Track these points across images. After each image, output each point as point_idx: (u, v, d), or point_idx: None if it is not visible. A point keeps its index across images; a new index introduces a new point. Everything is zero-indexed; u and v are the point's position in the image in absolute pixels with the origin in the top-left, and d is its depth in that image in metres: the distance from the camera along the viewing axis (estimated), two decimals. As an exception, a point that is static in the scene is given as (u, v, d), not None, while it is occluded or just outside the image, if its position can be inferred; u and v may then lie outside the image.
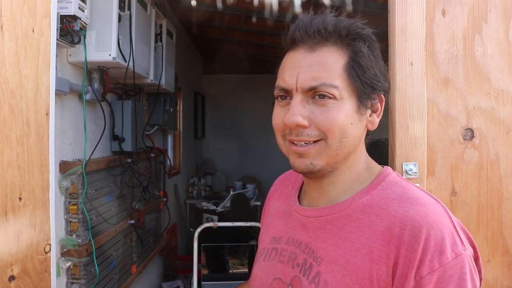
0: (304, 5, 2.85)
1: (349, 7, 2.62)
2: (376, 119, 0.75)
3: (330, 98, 0.69)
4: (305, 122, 0.69)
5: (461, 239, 0.65)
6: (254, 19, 3.39)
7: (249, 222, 2.73)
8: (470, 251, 0.66)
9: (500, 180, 1.29)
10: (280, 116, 0.73)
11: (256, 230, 3.67)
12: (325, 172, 0.73)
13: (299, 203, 0.83)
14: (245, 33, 4.24)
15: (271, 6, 2.91)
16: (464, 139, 1.29)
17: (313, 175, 0.74)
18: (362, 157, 0.77)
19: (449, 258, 0.62)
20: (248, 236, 3.83)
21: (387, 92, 0.75)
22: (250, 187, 4.90)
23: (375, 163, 0.79)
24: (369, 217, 0.69)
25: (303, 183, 0.86)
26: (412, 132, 1.27)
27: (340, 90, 0.69)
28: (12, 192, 0.94)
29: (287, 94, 0.73)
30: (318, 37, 0.70)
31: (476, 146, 1.29)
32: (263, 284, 0.81)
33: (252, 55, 5.12)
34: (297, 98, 0.70)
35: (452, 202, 1.29)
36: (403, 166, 1.27)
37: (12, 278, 0.94)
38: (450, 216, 0.67)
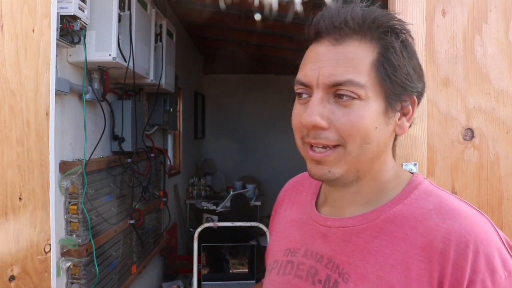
0: (304, 5, 2.85)
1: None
2: (406, 123, 0.67)
3: (355, 98, 0.61)
4: (324, 123, 0.61)
5: (511, 256, 0.59)
6: (255, 18, 3.39)
7: (249, 222, 2.73)
8: None
9: (500, 180, 1.29)
10: (299, 115, 0.65)
11: (257, 230, 3.67)
12: (346, 181, 0.66)
13: (317, 210, 0.74)
14: (245, 33, 4.24)
15: (270, 6, 2.90)
16: (464, 139, 1.29)
17: (332, 184, 0.68)
18: (389, 163, 0.70)
19: (502, 277, 0.56)
20: (248, 236, 3.83)
21: (421, 93, 0.67)
22: (250, 187, 4.90)
23: (404, 169, 0.72)
24: (403, 230, 0.62)
25: (320, 188, 0.78)
26: (412, 132, 1.27)
27: (367, 90, 0.61)
28: (12, 192, 0.94)
29: (307, 91, 0.65)
30: (345, 28, 0.62)
31: (476, 146, 1.29)
32: None
33: (252, 55, 5.12)
34: (317, 96, 0.62)
35: (452, 202, 1.29)
36: (403, 166, 1.27)
37: (12, 278, 0.94)
38: (497, 230, 0.61)
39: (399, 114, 0.65)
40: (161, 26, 2.48)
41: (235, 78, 5.81)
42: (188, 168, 4.72)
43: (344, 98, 0.61)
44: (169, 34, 2.63)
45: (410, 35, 0.66)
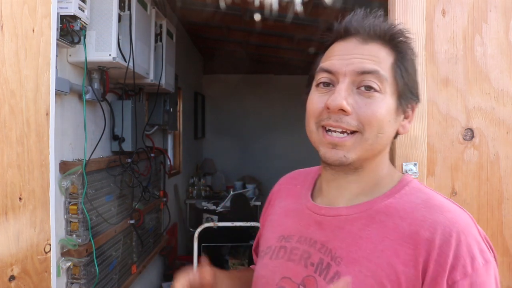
0: (304, 5, 2.85)
1: (350, 6, 2.62)
2: (408, 125, 0.76)
3: (376, 91, 0.68)
4: (349, 108, 0.67)
5: (488, 247, 0.66)
6: (255, 18, 3.39)
7: (249, 222, 2.73)
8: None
9: (500, 180, 1.29)
10: (320, 101, 0.71)
11: (256, 230, 3.67)
12: (353, 167, 0.72)
13: (313, 201, 0.80)
14: (245, 33, 4.24)
15: (271, 6, 2.90)
16: (464, 139, 1.29)
17: (342, 168, 0.72)
18: (386, 161, 0.77)
19: (480, 264, 0.62)
20: (248, 236, 3.83)
21: (418, 103, 0.76)
22: (250, 187, 4.90)
23: (395, 169, 0.80)
24: (393, 220, 0.68)
25: (315, 182, 0.85)
26: (412, 132, 1.27)
27: (386, 85, 0.69)
28: (12, 192, 0.94)
29: (330, 80, 0.71)
30: (372, 32, 0.71)
31: (476, 146, 1.29)
32: (268, 283, 0.77)
33: (252, 55, 5.12)
34: (344, 83, 0.69)
35: (452, 202, 1.29)
36: (403, 166, 1.27)
37: (12, 278, 0.94)
38: (476, 225, 0.68)
39: (403, 115, 0.74)
40: (161, 26, 2.48)
41: (235, 78, 5.80)
42: (188, 168, 4.72)
43: (367, 89, 0.68)
44: (169, 34, 2.63)
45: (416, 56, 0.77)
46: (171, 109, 2.97)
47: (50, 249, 1.08)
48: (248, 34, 4.22)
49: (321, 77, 0.72)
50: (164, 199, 2.98)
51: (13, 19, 0.94)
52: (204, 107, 5.83)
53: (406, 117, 0.75)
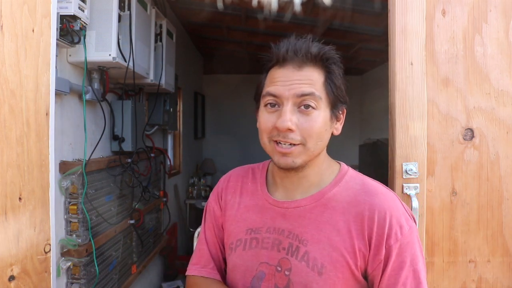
0: (304, 5, 2.85)
1: (349, 6, 2.62)
2: (340, 127, 0.94)
3: (314, 108, 0.85)
4: (293, 127, 0.84)
5: (410, 216, 0.87)
6: (255, 18, 3.39)
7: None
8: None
9: (500, 180, 1.29)
10: (270, 120, 0.87)
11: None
12: (301, 167, 0.89)
13: (272, 196, 0.95)
14: (245, 33, 4.24)
15: (270, 6, 2.90)
16: (464, 139, 1.29)
17: (292, 170, 0.90)
18: (325, 156, 0.95)
19: (406, 230, 0.83)
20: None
21: (347, 104, 0.93)
22: (250, 187, 4.88)
23: (331, 159, 0.96)
24: (342, 204, 0.88)
25: (266, 179, 1.00)
26: (412, 132, 1.27)
27: (321, 102, 0.86)
28: (12, 192, 0.94)
29: (276, 102, 0.87)
30: (305, 58, 0.86)
31: (476, 146, 1.29)
32: (248, 270, 0.92)
33: (252, 55, 5.12)
34: (288, 106, 0.84)
35: (452, 202, 1.29)
36: (403, 166, 1.27)
37: (12, 278, 0.94)
38: (400, 201, 0.89)
39: (336, 120, 0.91)
40: (161, 26, 2.48)
41: (235, 78, 5.80)
42: (188, 168, 4.72)
43: (306, 108, 0.84)
44: (169, 34, 2.63)
45: (341, 63, 0.92)
46: (171, 109, 2.97)
47: (50, 249, 1.08)
48: (248, 34, 4.22)
49: (268, 99, 0.87)
50: (164, 199, 2.98)
51: (13, 19, 0.94)
52: (204, 107, 5.82)
53: (338, 120, 0.92)
